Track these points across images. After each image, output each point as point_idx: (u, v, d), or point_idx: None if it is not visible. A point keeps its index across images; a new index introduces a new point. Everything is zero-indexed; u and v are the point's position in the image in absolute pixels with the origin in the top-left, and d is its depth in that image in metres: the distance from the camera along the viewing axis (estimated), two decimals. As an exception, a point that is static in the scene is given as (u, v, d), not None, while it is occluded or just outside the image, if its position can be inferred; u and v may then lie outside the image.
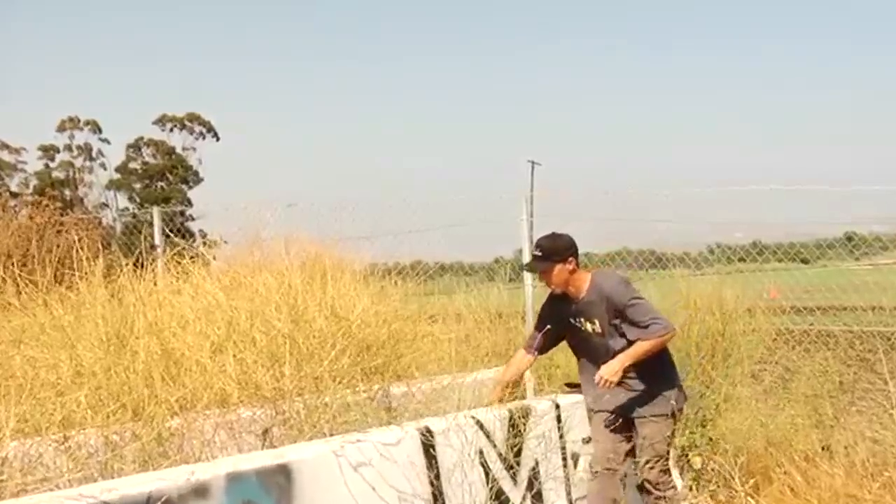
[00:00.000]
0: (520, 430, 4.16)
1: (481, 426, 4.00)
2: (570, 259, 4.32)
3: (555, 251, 4.32)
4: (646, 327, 4.18)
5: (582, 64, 78.47)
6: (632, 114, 76.53)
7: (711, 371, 5.77)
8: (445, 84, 76.03)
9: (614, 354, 4.24)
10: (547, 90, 76.84)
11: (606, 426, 4.37)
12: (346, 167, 64.57)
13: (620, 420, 4.36)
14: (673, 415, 4.40)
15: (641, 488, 4.41)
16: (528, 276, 7.05)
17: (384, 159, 68.21)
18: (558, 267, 4.31)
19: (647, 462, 4.34)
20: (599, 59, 77.05)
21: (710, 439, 5.47)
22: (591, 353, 4.41)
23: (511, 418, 4.16)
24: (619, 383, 4.23)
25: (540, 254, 4.36)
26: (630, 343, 4.23)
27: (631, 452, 4.42)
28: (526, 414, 4.25)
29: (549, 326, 4.45)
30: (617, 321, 4.25)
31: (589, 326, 4.35)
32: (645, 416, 4.34)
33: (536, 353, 4.54)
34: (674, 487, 4.50)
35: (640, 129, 75.52)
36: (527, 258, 7.12)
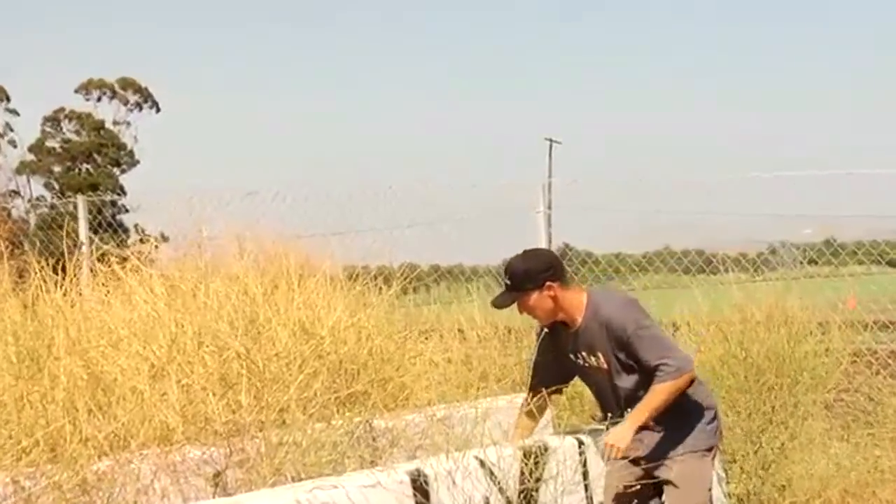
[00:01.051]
0: (535, 474, 4.17)
1: (487, 468, 4.02)
2: (549, 284, 4.16)
3: (528, 276, 4.15)
4: (654, 368, 4.06)
5: (615, 21, 78.77)
6: (675, 82, 76.85)
7: (775, 401, 5.79)
8: (443, 48, 76.36)
9: (625, 396, 4.19)
10: (571, 56, 77.11)
11: (623, 490, 4.23)
12: (318, 150, 64.77)
13: (643, 474, 4.24)
14: (710, 450, 4.30)
15: None
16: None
17: (367, 140, 68.38)
18: (535, 296, 4.16)
19: None
20: (634, 18, 77.38)
21: (774, 486, 5.49)
22: (602, 392, 4.34)
23: (524, 459, 4.17)
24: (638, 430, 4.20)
25: (509, 282, 4.21)
26: (642, 379, 4.15)
27: None
28: (542, 454, 4.26)
29: (547, 364, 4.31)
30: (622, 354, 4.14)
31: (593, 360, 4.23)
32: (672, 458, 4.21)
33: (543, 398, 4.39)
34: None
35: (685, 101, 75.81)
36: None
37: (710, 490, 4.38)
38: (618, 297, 4.33)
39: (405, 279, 6.14)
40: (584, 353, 4.25)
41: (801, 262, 7.52)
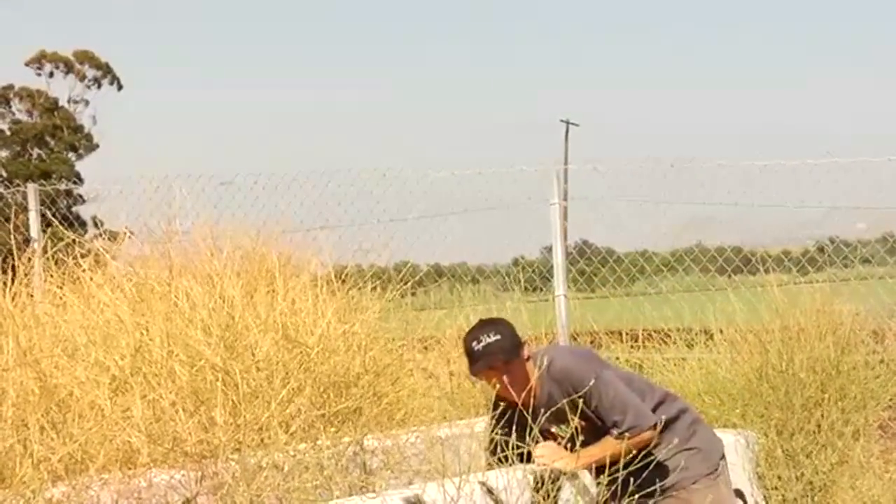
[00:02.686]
0: (546, 501, 4.18)
1: (492, 495, 4.02)
2: (523, 345, 4.29)
3: (507, 344, 4.21)
4: (612, 425, 4.18)
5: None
6: (704, 60, 76.78)
7: (821, 419, 5.78)
8: (442, 28, 76.29)
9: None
10: (591, 23, 77.07)
11: None
12: (300, 135, 64.69)
13: None
14: (717, 469, 4.40)
15: None
16: (559, 284, 7.07)
17: (359, 127, 68.32)
18: (516, 363, 4.22)
19: None
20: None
21: (821, 515, 5.50)
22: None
23: (534, 485, 4.17)
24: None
25: (487, 355, 4.17)
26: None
27: None
28: (554, 479, 4.27)
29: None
30: (589, 409, 4.20)
31: (565, 428, 4.24)
32: (686, 488, 4.30)
33: None
34: None
35: (717, 79, 75.77)
36: (559, 259, 7.13)
37: None
38: (562, 350, 4.42)
39: (402, 281, 6.13)
40: (555, 426, 4.26)
41: (854, 262, 7.49)
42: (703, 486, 4.33)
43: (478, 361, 4.22)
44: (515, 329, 4.33)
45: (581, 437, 4.20)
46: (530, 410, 4.24)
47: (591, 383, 4.16)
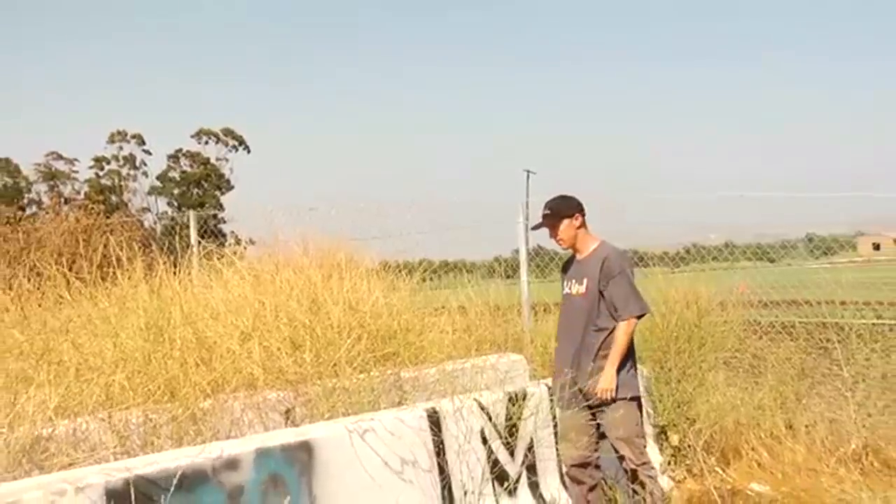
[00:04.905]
0: (517, 412, 4.12)
1: (482, 407, 3.97)
2: (577, 216, 4.17)
3: (563, 208, 4.16)
4: (621, 305, 3.98)
5: (572, 74, 78.66)
6: (613, 128, 76.71)
7: (688, 358, 5.72)
8: (454, 98, 76.24)
9: (586, 323, 4.04)
10: (545, 106, 77.06)
11: (574, 425, 4.11)
12: (364, 173, 64.90)
13: (587, 412, 4.09)
14: (639, 398, 4.12)
15: (633, 478, 4.06)
16: (524, 273, 7.01)
17: (394, 167, 68.41)
18: (566, 222, 4.15)
19: (623, 446, 4.04)
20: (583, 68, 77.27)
21: (687, 419, 5.43)
22: (570, 321, 4.14)
23: (509, 400, 4.12)
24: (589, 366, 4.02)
25: (549, 212, 4.18)
26: (602, 309, 4.04)
27: (597, 442, 4.16)
28: (523, 397, 4.21)
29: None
30: (603, 284, 4.03)
31: (575, 288, 4.10)
32: (616, 400, 4.01)
33: None
34: (653, 468, 4.14)
35: (621, 142, 75.70)
36: (524, 257, 7.08)
37: (640, 426, 4.21)
38: (621, 251, 4.24)
39: (423, 271, 6.09)
40: (574, 280, 4.16)
41: (707, 259, 7.44)
42: (629, 405, 4.05)
43: (542, 216, 4.19)
44: (575, 204, 4.20)
45: (576, 298, 4.11)
46: (576, 261, 4.21)
47: (619, 269, 4.04)
